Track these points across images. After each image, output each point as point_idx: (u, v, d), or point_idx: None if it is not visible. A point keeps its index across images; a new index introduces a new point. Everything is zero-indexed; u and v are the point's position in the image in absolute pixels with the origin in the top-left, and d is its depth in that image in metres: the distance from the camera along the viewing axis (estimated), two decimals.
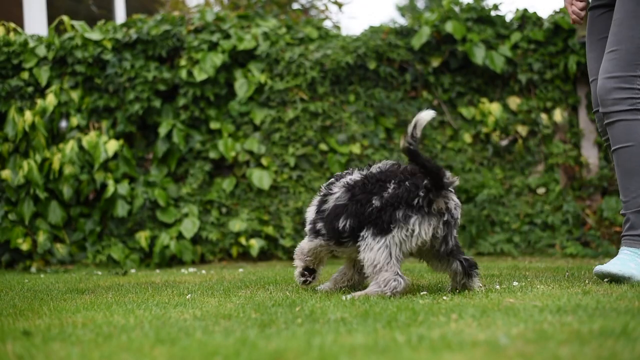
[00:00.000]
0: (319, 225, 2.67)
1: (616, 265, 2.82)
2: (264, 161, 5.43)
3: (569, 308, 2.05)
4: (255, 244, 5.29)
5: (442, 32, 5.36)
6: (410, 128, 2.47)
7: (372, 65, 5.38)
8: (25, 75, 5.47)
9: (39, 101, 5.36)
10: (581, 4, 3.12)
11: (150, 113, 5.50)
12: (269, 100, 5.48)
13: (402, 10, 21.19)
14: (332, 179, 2.74)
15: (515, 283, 2.82)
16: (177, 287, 3.16)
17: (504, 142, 5.42)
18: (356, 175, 2.64)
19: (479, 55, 5.27)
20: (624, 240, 2.94)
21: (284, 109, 5.45)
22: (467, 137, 5.41)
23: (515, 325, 1.81)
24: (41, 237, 5.24)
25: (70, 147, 5.25)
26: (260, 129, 5.50)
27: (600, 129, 3.15)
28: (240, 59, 5.55)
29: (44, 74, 5.45)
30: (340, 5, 8.53)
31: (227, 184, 5.44)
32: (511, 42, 5.36)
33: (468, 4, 5.45)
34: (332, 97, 5.46)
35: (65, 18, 5.67)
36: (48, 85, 5.50)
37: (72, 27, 5.64)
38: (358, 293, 2.53)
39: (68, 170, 5.24)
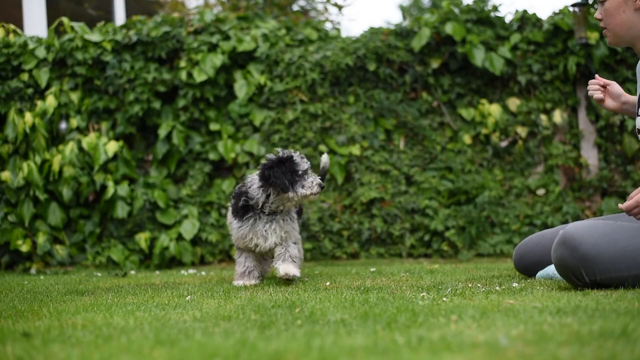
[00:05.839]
0: None
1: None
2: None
3: (569, 309, 2.05)
4: None
5: (441, 34, 5.36)
6: None
7: (371, 66, 5.38)
8: (25, 76, 5.47)
9: (39, 103, 5.36)
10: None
11: (150, 114, 5.50)
12: (269, 101, 5.48)
13: (404, 10, 21.09)
14: None
15: (515, 284, 2.82)
16: (177, 288, 3.16)
17: (504, 144, 5.42)
18: None
19: (479, 57, 5.27)
20: None
21: (284, 111, 5.45)
22: (467, 139, 5.41)
23: (515, 327, 1.81)
24: (41, 239, 5.23)
25: (70, 148, 5.25)
26: (259, 131, 5.50)
27: None
28: (239, 60, 5.55)
29: (43, 76, 5.45)
30: (339, 7, 8.54)
31: (227, 185, 5.44)
32: (511, 43, 5.36)
33: (467, 5, 5.45)
34: (331, 99, 5.46)
35: (65, 19, 5.67)
36: (48, 86, 5.50)
37: (72, 28, 5.64)
38: None
39: (68, 171, 5.24)
